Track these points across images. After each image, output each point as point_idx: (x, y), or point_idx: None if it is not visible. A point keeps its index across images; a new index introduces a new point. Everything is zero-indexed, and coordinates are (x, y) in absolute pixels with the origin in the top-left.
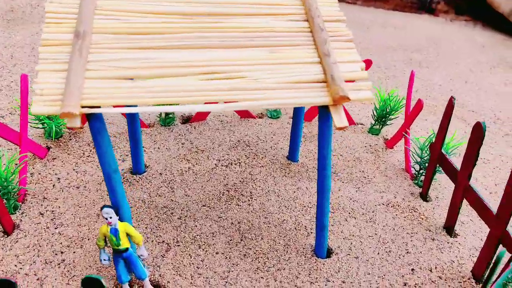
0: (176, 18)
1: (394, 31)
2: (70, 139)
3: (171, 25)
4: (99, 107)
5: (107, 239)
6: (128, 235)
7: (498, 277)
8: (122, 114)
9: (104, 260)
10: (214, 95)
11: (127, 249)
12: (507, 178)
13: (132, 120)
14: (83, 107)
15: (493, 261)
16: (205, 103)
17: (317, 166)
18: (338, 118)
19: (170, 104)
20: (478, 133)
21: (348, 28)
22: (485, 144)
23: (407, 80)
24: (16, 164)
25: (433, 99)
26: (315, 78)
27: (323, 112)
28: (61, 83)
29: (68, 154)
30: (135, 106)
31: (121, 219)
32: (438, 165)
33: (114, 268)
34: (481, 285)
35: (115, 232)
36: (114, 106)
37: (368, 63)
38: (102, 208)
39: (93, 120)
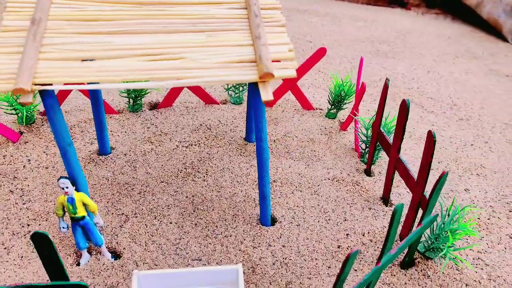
0: (126, 6)
1: (365, 24)
2: (42, 125)
3: (121, 13)
4: (51, 84)
5: (65, 208)
6: (84, 204)
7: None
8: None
9: (63, 228)
10: (156, 74)
11: (83, 217)
12: (448, 156)
13: (96, 104)
14: (35, 84)
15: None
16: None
17: (255, 140)
18: (264, 93)
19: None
20: (403, 110)
21: (284, 15)
22: (439, 128)
23: (371, 70)
24: None
25: (395, 87)
26: (246, 58)
27: (254, 89)
28: (15, 63)
29: (40, 138)
30: (83, 84)
31: (77, 190)
32: (377, 142)
33: (70, 234)
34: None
35: (71, 201)
36: (65, 84)
37: (322, 52)
38: (58, 179)
39: (46, 97)
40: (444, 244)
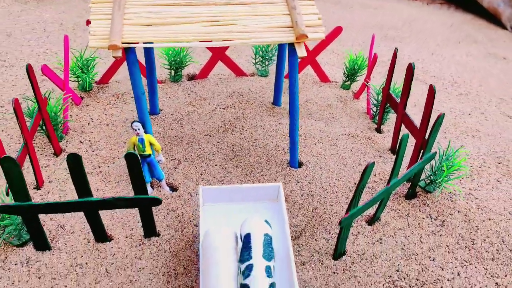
0: None
1: (374, 12)
2: (98, 92)
3: None
4: (136, 43)
5: (135, 148)
6: (150, 144)
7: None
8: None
9: None
10: (214, 36)
11: (149, 155)
12: (448, 122)
13: (150, 70)
14: (123, 43)
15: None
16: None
17: (289, 93)
18: (300, 51)
19: (182, 42)
20: (409, 72)
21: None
22: (440, 100)
23: (380, 51)
24: (61, 104)
25: (401, 66)
26: (284, 24)
27: (291, 50)
28: (107, 27)
29: (98, 102)
30: (157, 43)
31: (145, 132)
32: (387, 103)
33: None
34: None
35: (141, 141)
36: (144, 43)
37: (338, 30)
38: (132, 123)
39: (129, 53)
40: (441, 179)
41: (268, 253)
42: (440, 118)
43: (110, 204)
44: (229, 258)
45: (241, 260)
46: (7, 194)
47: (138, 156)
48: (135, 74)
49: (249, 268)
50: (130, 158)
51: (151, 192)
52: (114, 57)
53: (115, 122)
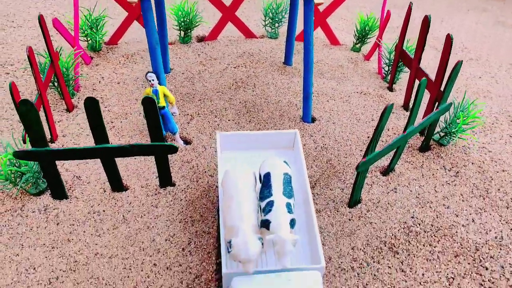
0: None
1: None
2: (108, 52)
3: None
4: None
5: None
6: (164, 96)
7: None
8: None
9: None
10: None
11: (163, 107)
12: (459, 83)
13: (162, 29)
14: None
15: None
16: None
17: (304, 43)
18: None
19: None
20: (425, 25)
21: None
22: (450, 65)
23: (391, 19)
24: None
25: (412, 33)
26: None
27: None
28: None
29: (108, 62)
30: None
31: (160, 84)
32: (400, 61)
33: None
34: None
35: (156, 92)
36: None
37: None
38: (146, 74)
39: (144, 0)
40: (456, 129)
41: (288, 191)
42: (458, 66)
43: (127, 151)
44: (250, 194)
45: (261, 197)
46: (24, 142)
47: (156, 100)
48: (150, 22)
49: (270, 204)
50: (147, 103)
51: None
52: (129, 2)
53: (126, 80)
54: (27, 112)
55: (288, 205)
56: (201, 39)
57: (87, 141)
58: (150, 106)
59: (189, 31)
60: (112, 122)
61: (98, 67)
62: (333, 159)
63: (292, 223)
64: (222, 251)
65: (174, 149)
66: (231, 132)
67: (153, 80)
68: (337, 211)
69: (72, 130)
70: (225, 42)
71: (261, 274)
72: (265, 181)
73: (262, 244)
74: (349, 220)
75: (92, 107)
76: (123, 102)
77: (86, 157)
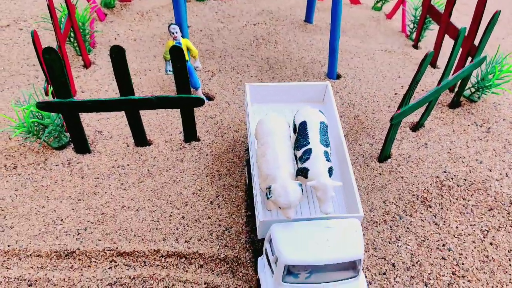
0: None
1: None
2: (122, 9)
3: None
4: None
5: None
6: (187, 50)
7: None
8: None
9: (169, 71)
10: None
11: (186, 61)
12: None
13: None
14: None
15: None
16: None
17: None
18: None
19: None
20: None
21: None
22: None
23: None
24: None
25: None
26: None
27: None
28: None
29: (122, 19)
30: None
31: (183, 36)
32: (427, 17)
33: (170, 82)
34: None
35: (179, 45)
36: None
37: None
38: (169, 25)
39: None
40: (489, 84)
41: (325, 140)
42: (496, 15)
43: (152, 103)
44: (285, 143)
45: (298, 146)
46: (46, 94)
47: (183, 49)
48: None
49: (308, 152)
50: (175, 52)
51: None
52: None
53: (142, 37)
54: (51, 61)
55: (326, 153)
56: None
57: (106, 96)
58: (177, 56)
59: None
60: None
61: (112, 24)
62: (361, 115)
63: (330, 171)
64: (256, 200)
65: (201, 102)
66: (261, 84)
67: (176, 32)
68: (367, 165)
69: (90, 86)
70: (242, 0)
71: (299, 221)
72: (301, 129)
73: (302, 190)
74: (380, 174)
75: (118, 56)
76: (141, 59)
77: (110, 109)
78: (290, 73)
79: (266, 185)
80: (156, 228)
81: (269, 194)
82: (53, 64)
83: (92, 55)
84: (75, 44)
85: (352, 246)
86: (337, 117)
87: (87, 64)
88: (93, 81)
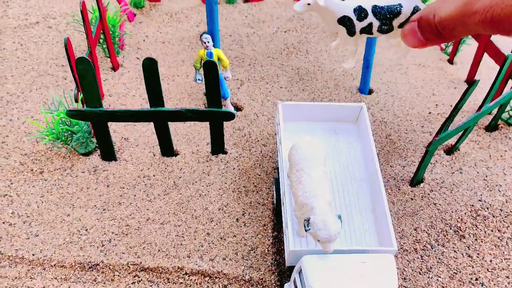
0: None
1: None
2: (151, 10)
3: None
4: None
5: (202, 62)
6: (218, 59)
7: None
8: None
9: (198, 80)
10: None
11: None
12: None
13: None
14: None
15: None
16: None
17: None
18: None
19: None
20: None
21: None
22: None
23: None
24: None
25: None
26: None
27: None
28: None
29: (151, 20)
30: None
31: (214, 46)
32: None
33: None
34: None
35: (210, 55)
36: None
37: None
38: (201, 34)
39: None
40: None
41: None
42: None
43: (182, 115)
44: (322, 169)
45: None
46: (76, 101)
47: (218, 65)
48: None
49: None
50: (209, 66)
51: None
52: None
53: (171, 40)
54: (84, 71)
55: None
56: (247, 0)
57: (134, 101)
58: (211, 70)
59: None
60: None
61: (141, 24)
62: (393, 134)
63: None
64: (286, 227)
65: (231, 116)
66: (294, 102)
67: (208, 42)
68: (398, 189)
69: (118, 89)
70: (272, 4)
71: (332, 254)
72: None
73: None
74: (411, 199)
75: (151, 68)
76: (169, 63)
77: (140, 120)
78: (320, 86)
79: (301, 213)
80: (181, 244)
81: (308, 227)
82: (85, 74)
83: (120, 57)
84: (104, 46)
85: (386, 284)
86: (371, 139)
87: (115, 67)
88: (120, 84)
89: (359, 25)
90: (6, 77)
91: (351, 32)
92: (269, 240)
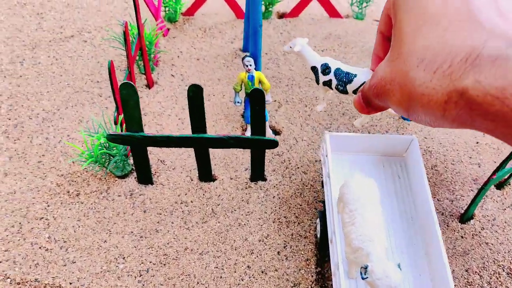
0: None
1: None
2: (184, 24)
3: None
4: None
5: (243, 84)
6: (259, 82)
7: None
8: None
9: (238, 102)
10: None
11: None
12: None
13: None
14: None
15: None
16: None
17: None
18: None
19: None
20: None
21: None
22: None
23: None
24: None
25: None
26: None
27: None
28: None
29: (185, 35)
30: None
31: (256, 69)
32: None
33: (236, 110)
34: None
35: (251, 78)
36: None
37: None
38: (244, 58)
39: None
40: None
41: None
42: None
43: (224, 142)
44: (377, 211)
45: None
46: (115, 123)
47: (256, 82)
48: (256, 4)
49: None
50: (256, 94)
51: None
52: None
53: (206, 57)
54: (128, 96)
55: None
56: (281, 16)
57: (169, 121)
58: (257, 98)
59: (270, 6)
60: None
61: (175, 39)
62: (439, 165)
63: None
64: (337, 269)
65: (274, 144)
66: (341, 134)
67: (250, 65)
68: (447, 226)
69: (153, 108)
70: (307, 21)
71: None
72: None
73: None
74: (462, 237)
75: (196, 95)
76: (204, 81)
77: (180, 146)
78: None
79: (355, 257)
80: (220, 277)
81: (365, 275)
82: (128, 99)
83: (155, 73)
84: (139, 63)
85: None
86: (423, 173)
87: (150, 84)
88: (156, 103)
89: (322, 78)
90: (42, 93)
91: (317, 80)
92: (312, 276)
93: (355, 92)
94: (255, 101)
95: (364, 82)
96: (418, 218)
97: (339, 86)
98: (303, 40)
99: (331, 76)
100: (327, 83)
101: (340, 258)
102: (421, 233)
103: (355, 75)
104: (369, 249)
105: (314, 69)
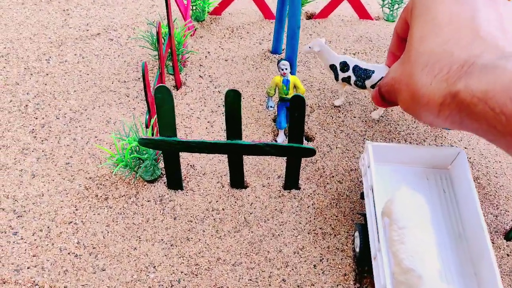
0: None
1: None
2: (211, 23)
3: None
4: None
5: (277, 88)
6: (294, 86)
7: None
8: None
9: (271, 107)
10: None
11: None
12: None
13: (283, 4)
14: None
15: None
16: None
17: None
18: None
19: None
20: None
21: None
22: None
23: None
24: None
25: None
26: None
27: None
28: None
29: (212, 34)
30: None
31: (291, 73)
32: None
33: (267, 115)
34: None
35: (286, 82)
36: None
37: None
38: (279, 61)
39: None
40: None
41: None
42: None
43: (260, 150)
44: (428, 229)
45: None
46: (147, 126)
47: (290, 87)
48: (295, 4)
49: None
50: (297, 100)
51: (282, 140)
52: None
53: (234, 58)
54: (163, 100)
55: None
56: (309, 16)
57: (198, 124)
58: (298, 105)
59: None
60: (223, 106)
61: (202, 39)
62: (481, 178)
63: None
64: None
65: (312, 152)
66: (383, 144)
67: (286, 69)
68: (492, 243)
69: (181, 110)
70: (337, 22)
71: None
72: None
73: None
74: (508, 255)
75: (234, 101)
76: (233, 84)
77: (214, 152)
78: (397, 117)
79: (405, 279)
80: None
81: None
82: (163, 104)
83: (183, 74)
84: (167, 63)
85: None
86: (472, 187)
87: (178, 85)
88: (184, 105)
89: (341, 75)
90: (69, 92)
91: (336, 77)
92: None
93: (372, 86)
94: (296, 107)
95: (382, 77)
96: (465, 235)
97: (358, 82)
98: (322, 40)
99: (349, 73)
100: (346, 80)
101: (388, 280)
102: (470, 251)
103: (373, 71)
104: (421, 271)
105: (332, 67)
